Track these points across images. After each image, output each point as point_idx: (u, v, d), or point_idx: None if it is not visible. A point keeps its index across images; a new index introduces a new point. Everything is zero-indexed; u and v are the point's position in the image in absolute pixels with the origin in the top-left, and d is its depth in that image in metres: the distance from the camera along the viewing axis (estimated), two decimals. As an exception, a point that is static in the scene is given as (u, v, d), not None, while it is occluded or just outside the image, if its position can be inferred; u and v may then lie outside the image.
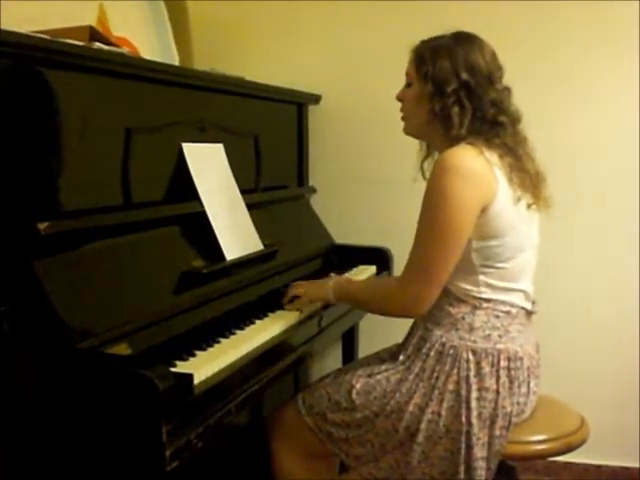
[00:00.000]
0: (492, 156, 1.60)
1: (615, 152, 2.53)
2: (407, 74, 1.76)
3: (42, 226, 1.38)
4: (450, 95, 1.63)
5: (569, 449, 1.74)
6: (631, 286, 2.55)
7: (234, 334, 1.67)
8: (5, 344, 1.34)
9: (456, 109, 1.62)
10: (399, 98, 1.78)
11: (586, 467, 2.64)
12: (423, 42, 1.72)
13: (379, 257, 2.55)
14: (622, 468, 2.63)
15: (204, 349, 1.54)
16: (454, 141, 1.62)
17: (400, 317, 1.73)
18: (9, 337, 1.33)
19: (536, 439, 1.69)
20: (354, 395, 1.70)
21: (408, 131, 1.80)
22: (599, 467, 2.64)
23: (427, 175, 1.79)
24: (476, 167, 1.57)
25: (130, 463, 1.29)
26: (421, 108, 1.70)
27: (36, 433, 1.36)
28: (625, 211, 2.53)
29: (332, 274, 2.20)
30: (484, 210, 1.57)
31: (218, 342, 1.60)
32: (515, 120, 1.68)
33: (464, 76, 1.62)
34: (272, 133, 2.40)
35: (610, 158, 2.53)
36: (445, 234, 1.57)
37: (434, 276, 1.60)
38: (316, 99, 2.71)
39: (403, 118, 1.79)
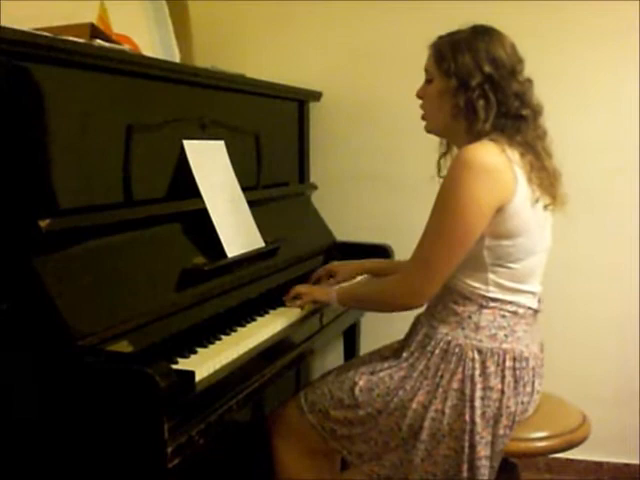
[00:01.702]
0: (513, 154, 1.59)
1: (615, 150, 2.52)
2: (426, 70, 1.73)
3: (43, 223, 1.37)
4: (475, 89, 1.61)
5: (570, 446, 1.73)
6: (632, 284, 2.55)
7: (235, 331, 1.67)
8: (6, 341, 1.34)
9: (482, 103, 1.61)
10: (419, 95, 1.76)
11: (587, 464, 2.64)
12: (441, 37, 1.71)
13: (381, 254, 2.55)
14: (623, 465, 2.63)
15: (205, 346, 1.54)
16: (477, 136, 1.61)
17: (400, 310, 1.72)
18: (10, 334, 1.34)
19: (538, 436, 1.69)
20: (357, 392, 1.69)
21: (430, 128, 1.77)
22: (600, 464, 2.64)
23: (443, 173, 1.79)
24: (495, 164, 1.56)
25: (132, 460, 1.29)
26: (445, 103, 1.68)
27: (37, 430, 1.36)
28: (626, 209, 2.53)
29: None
30: (500, 209, 1.56)
31: (219, 339, 1.60)
32: (537, 113, 1.67)
33: (487, 69, 1.61)
34: (273, 130, 2.39)
35: (610, 156, 2.53)
36: (453, 231, 1.56)
37: (437, 271, 1.60)
38: (317, 96, 2.70)
39: (424, 117, 1.77)
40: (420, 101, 1.77)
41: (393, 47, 2.60)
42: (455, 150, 1.77)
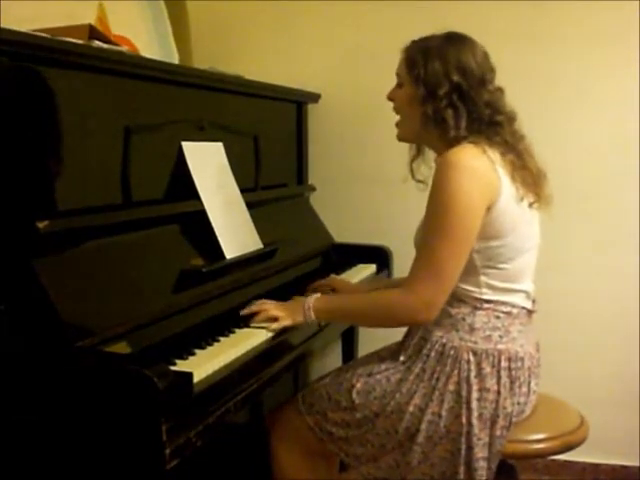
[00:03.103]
0: (494, 154, 1.60)
1: (613, 150, 2.52)
2: (398, 74, 1.75)
3: (41, 225, 1.37)
4: (442, 98, 1.62)
5: (568, 448, 1.73)
6: (630, 284, 2.55)
7: (233, 333, 1.67)
8: (4, 343, 1.34)
9: (450, 112, 1.62)
10: (390, 98, 1.78)
11: (585, 466, 2.65)
12: (414, 42, 1.72)
13: (378, 256, 2.56)
14: (621, 467, 2.63)
15: (204, 348, 1.54)
16: (454, 142, 1.62)
17: (406, 325, 1.73)
18: (8, 336, 1.34)
19: (536, 438, 1.69)
20: (354, 394, 1.69)
21: (402, 137, 1.79)
22: (598, 466, 2.65)
23: (417, 175, 1.81)
24: (479, 166, 1.57)
25: (130, 462, 1.29)
26: (414, 110, 1.69)
27: (35, 431, 1.35)
28: (623, 209, 2.53)
29: (332, 275, 2.20)
30: (488, 209, 1.56)
31: (217, 341, 1.60)
32: (511, 119, 1.68)
33: (455, 78, 1.62)
34: (271, 132, 2.40)
35: (608, 156, 2.53)
36: (455, 232, 1.55)
37: (447, 277, 1.58)
38: (315, 98, 2.71)
39: (397, 125, 1.78)
40: (392, 104, 1.78)
41: (392, 49, 2.59)
42: (427, 153, 1.79)
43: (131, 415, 1.27)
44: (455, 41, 1.66)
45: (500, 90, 1.69)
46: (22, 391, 1.36)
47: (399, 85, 1.75)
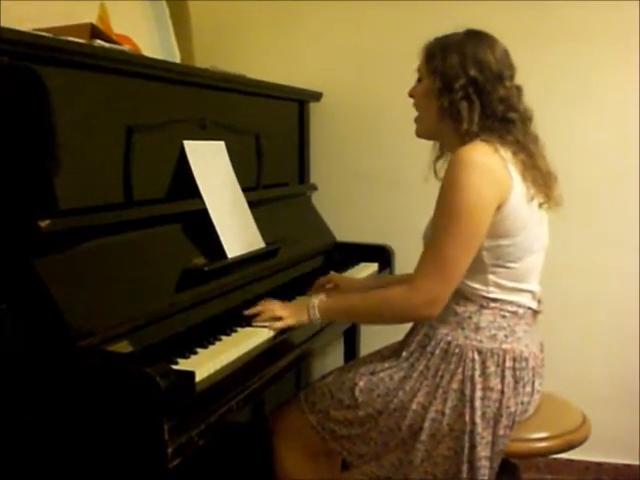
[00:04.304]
0: (506, 153, 1.60)
1: (613, 150, 2.52)
2: (418, 70, 1.76)
3: (43, 224, 1.37)
4: (458, 91, 1.62)
5: (571, 447, 1.73)
6: (631, 286, 2.55)
7: (235, 332, 1.67)
8: (5, 342, 1.34)
9: (465, 104, 1.62)
10: (410, 94, 1.78)
11: (587, 464, 2.64)
12: (436, 39, 1.72)
13: (380, 254, 2.56)
14: (623, 465, 2.63)
15: (205, 347, 1.54)
16: (466, 137, 1.62)
17: (410, 321, 1.73)
18: (10, 335, 1.34)
19: (538, 437, 1.69)
20: (357, 393, 1.69)
21: (420, 132, 1.78)
22: (600, 464, 2.64)
23: (440, 175, 1.79)
24: (491, 164, 1.56)
25: (132, 460, 1.29)
26: (430, 103, 1.69)
27: (37, 431, 1.36)
28: (623, 209, 2.53)
29: (332, 272, 2.20)
30: (499, 207, 1.56)
31: (219, 340, 1.60)
32: (526, 118, 1.67)
33: (472, 72, 1.62)
34: (273, 130, 2.39)
35: (608, 156, 2.53)
36: (464, 228, 1.55)
37: (451, 274, 1.58)
38: (317, 96, 2.70)
39: (416, 120, 1.78)
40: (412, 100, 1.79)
41: (393, 48, 2.60)
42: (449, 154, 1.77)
43: (133, 414, 1.27)
44: (474, 37, 1.67)
45: (518, 88, 1.68)
46: (24, 390, 1.36)
47: (419, 81, 1.76)
